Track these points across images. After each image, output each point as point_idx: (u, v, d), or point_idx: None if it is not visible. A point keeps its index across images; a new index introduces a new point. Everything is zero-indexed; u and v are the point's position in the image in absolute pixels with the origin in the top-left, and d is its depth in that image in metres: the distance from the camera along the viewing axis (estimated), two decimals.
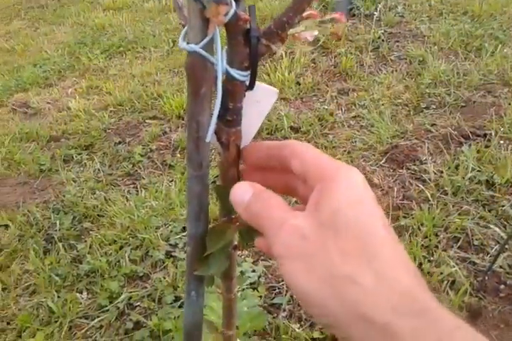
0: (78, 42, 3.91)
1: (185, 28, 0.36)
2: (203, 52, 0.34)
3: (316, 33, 0.45)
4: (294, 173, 0.34)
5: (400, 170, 1.91)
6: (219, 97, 0.37)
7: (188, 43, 0.34)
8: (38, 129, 2.68)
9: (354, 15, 3.33)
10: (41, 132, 2.65)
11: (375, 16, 3.18)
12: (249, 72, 0.37)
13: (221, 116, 0.39)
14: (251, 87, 0.38)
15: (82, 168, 2.31)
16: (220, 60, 0.35)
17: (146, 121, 2.64)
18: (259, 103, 0.44)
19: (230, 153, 0.42)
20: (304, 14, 0.39)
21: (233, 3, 0.32)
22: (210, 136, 0.39)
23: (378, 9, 3.26)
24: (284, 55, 2.89)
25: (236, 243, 0.52)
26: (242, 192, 0.35)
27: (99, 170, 2.27)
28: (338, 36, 0.48)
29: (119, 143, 2.48)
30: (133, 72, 3.22)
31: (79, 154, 2.42)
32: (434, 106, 2.28)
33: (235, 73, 0.36)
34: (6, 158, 2.47)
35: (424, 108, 2.29)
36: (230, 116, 0.39)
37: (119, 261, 1.69)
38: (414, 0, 3.50)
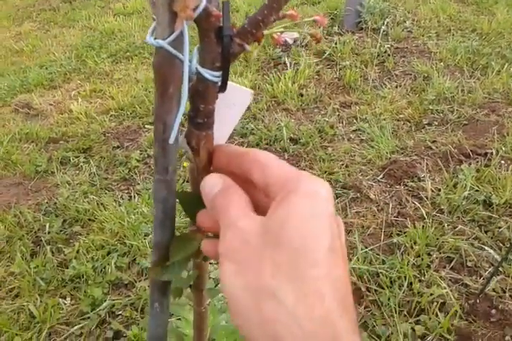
0: (86, 45, 3.92)
1: (154, 23, 0.33)
2: (170, 49, 0.32)
3: (295, 35, 0.43)
4: (254, 185, 0.32)
5: (397, 187, 1.88)
6: (184, 96, 0.35)
7: (155, 39, 0.32)
8: (38, 130, 2.67)
9: (362, 28, 3.32)
10: (41, 133, 2.65)
11: (382, 30, 3.17)
12: (221, 72, 0.34)
13: (191, 118, 0.36)
14: (223, 88, 0.36)
15: (77, 171, 2.30)
16: (186, 57, 0.33)
17: (146, 126, 2.63)
18: (233, 105, 0.42)
19: (200, 159, 0.39)
20: (282, 14, 0.37)
21: None
22: (173, 138, 0.36)
23: (386, 23, 3.25)
24: (288, 66, 2.87)
25: None
26: (212, 184, 0.34)
27: (94, 173, 2.25)
28: (317, 39, 0.45)
29: (117, 147, 2.46)
30: (137, 77, 3.21)
31: (76, 157, 2.41)
32: (436, 123, 2.25)
33: (205, 73, 0.34)
34: (3, 158, 2.45)
35: (426, 124, 2.26)
36: (201, 119, 0.36)
37: (105, 268, 1.66)
38: (423, 16, 3.48)
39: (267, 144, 2.28)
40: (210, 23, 0.32)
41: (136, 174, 2.21)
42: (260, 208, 0.33)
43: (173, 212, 0.44)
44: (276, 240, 0.27)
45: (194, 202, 0.40)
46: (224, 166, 0.38)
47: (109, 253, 1.72)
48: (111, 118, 2.75)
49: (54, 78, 3.44)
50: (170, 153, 0.38)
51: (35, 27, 4.74)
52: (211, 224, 0.35)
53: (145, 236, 1.76)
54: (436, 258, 1.49)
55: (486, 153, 1.95)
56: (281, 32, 0.41)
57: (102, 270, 1.66)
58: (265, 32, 0.36)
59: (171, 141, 0.36)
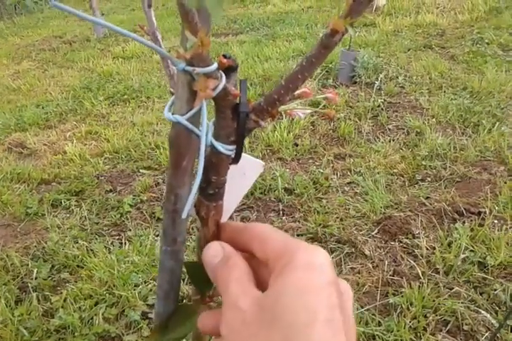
0: (84, 86, 3.97)
1: (172, 97, 0.34)
2: (188, 124, 0.33)
3: (308, 111, 0.44)
4: (257, 259, 0.32)
5: (392, 243, 1.87)
6: (200, 172, 0.35)
7: (173, 114, 0.33)
8: (31, 171, 2.65)
9: (355, 82, 3.42)
10: (33, 174, 2.63)
11: (375, 85, 3.26)
12: (235, 146, 0.35)
13: (202, 189, 0.36)
14: (236, 161, 0.36)
15: (68, 215, 2.26)
16: (204, 133, 0.33)
17: (140, 170, 2.62)
18: (244, 175, 0.42)
19: (208, 229, 0.39)
20: (297, 92, 0.38)
21: (223, 78, 0.31)
22: (186, 212, 0.36)
23: (379, 79, 3.35)
24: (284, 116, 2.92)
25: None
26: (212, 254, 0.34)
27: (85, 217, 2.22)
28: (330, 117, 0.46)
29: (110, 191, 2.45)
30: (134, 121, 3.24)
31: (68, 200, 2.38)
32: (430, 179, 2.28)
33: (220, 146, 0.34)
34: None
35: (420, 180, 2.29)
36: (212, 190, 0.37)
37: (92, 318, 1.61)
38: (415, 72, 3.60)
39: (261, 193, 2.28)
40: (227, 100, 0.33)
41: (127, 219, 2.19)
42: (265, 283, 0.32)
43: (178, 284, 0.43)
44: (271, 317, 0.26)
45: (201, 273, 0.39)
46: (228, 243, 0.37)
47: (97, 303, 1.67)
48: (105, 161, 2.74)
49: (50, 118, 3.45)
50: (180, 225, 0.38)
51: (33, 66, 4.81)
52: (212, 328, 0.34)
53: (135, 286, 1.72)
54: (433, 320, 1.46)
55: (479, 212, 1.97)
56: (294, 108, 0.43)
57: (89, 321, 1.60)
58: (279, 108, 0.37)
59: (184, 215, 0.36)
